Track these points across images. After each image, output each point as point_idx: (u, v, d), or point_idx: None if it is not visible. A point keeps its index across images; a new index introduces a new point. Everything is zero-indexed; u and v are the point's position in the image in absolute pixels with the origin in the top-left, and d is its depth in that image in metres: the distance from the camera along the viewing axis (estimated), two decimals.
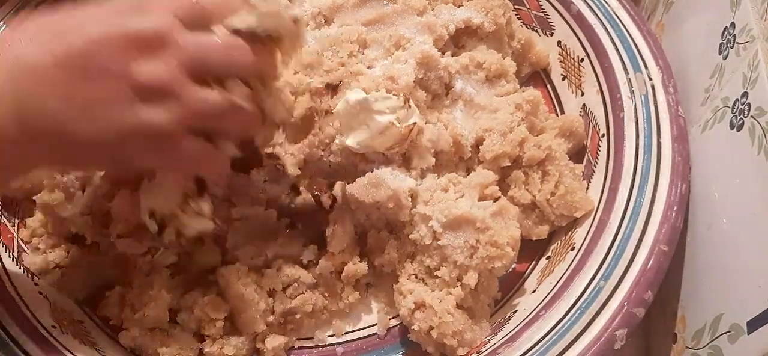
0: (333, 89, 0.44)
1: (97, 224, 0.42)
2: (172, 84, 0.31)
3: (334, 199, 0.42)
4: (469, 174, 0.44)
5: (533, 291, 0.42)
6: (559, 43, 0.52)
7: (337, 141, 0.42)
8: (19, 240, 0.44)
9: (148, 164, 0.35)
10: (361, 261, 0.43)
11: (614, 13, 0.50)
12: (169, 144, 0.32)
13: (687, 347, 0.39)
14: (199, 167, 0.36)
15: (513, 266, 0.43)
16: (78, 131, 0.31)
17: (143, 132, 0.31)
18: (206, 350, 0.40)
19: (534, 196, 0.44)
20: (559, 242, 0.45)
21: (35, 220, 0.44)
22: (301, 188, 0.45)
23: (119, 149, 0.32)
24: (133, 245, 0.41)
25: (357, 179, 0.41)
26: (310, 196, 0.45)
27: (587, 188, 0.45)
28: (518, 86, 0.49)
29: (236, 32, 0.33)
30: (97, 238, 0.42)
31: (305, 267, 0.43)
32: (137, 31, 0.31)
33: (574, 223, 0.44)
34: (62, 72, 0.30)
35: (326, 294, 0.43)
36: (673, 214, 0.39)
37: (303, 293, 0.42)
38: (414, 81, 0.44)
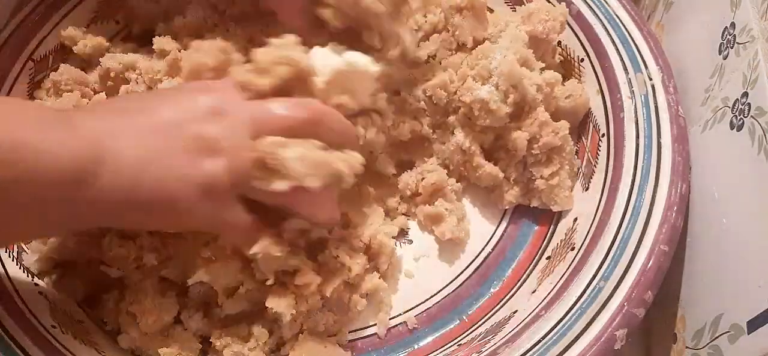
0: None
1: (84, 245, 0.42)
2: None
3: None
4: None
5: (533, 291, 0.42)
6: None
7: None
8: None
9: (199, 223, 0.37)
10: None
11: (614, 13, 0.50)
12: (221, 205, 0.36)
13: (687, 347, 0.39)
14: (237, 239, 0.38)
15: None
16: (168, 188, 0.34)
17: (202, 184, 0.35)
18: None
19: (531, 172, 0.46)
20: (559, 242, 0.45)
21: None
22: None
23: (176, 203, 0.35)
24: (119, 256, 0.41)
25: None
26: None
27: (587, 188, 0.46)
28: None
29: None
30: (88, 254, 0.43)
31: None
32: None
33: (574, 223, 0.44)
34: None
35: (336, 311, 0.43)
36: (673, 214, 0.39)
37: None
38: None
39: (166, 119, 0.35)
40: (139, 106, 0.37)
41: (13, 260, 0.43)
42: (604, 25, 0.49)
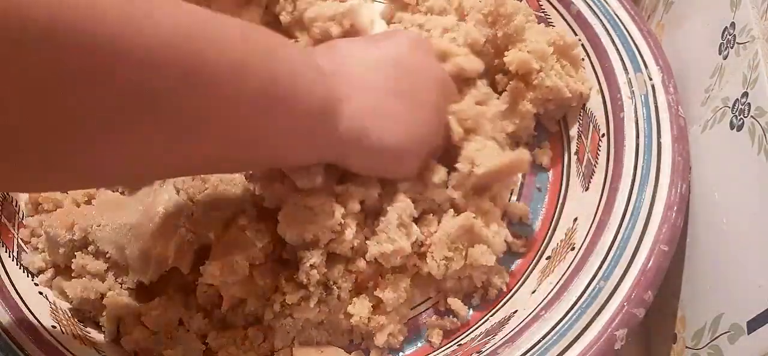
0: None
1: None
2: None
3: None
4: None
5: (533, 291, 0.42)
6: None
7: None
8: (19, 240, 0.44)
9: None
10: None
11: (614, 13, 0.50)
12: None
13: (687, 347, 0.39)
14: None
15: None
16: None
17: None
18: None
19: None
20: (559, 242, 0.45)
21: (35, 220, 0.44)
22: None
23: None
24: None
25: None
26: None
27: (587, 188, 0.46)
28: None
29: None
30: None
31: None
32: None
33: (574, 223, 0.44)
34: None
35: (331, 333, 0.43)
36: (673, 214, 0.39)
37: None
38: None
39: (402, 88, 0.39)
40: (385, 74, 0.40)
41: (13, 260, 0.43)
42: (604, 25, 0.49)
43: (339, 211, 0.39)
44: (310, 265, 0.38)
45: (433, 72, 0.43)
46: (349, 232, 0.39)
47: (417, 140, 0.40)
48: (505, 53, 0.47)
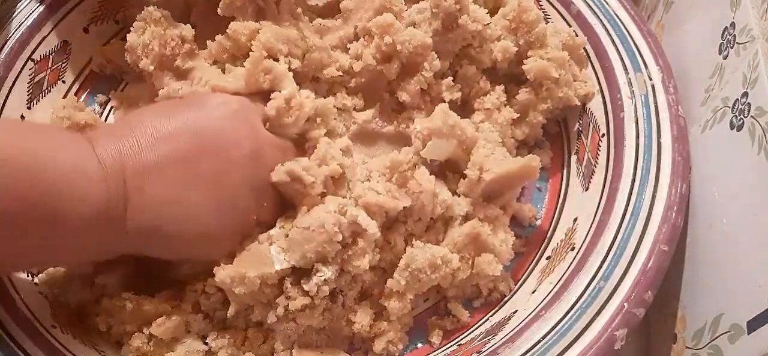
0: None
1: None
2: None
3: None
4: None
5: (533, 291, 0.42)
6: None
7: None
8: None
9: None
10: None
11: (614, 13, 0.50)
12: None
13: (687, 347, 0.39)
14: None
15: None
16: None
17: None
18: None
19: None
20: (559, 242, 0.45)
21: None
22: None
23: None
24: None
25: None
26: None
27: (587, 188, 0.46)
28: None
29: None
30: None
31: None
32: None
33: (574, 223, 0.44)
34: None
35: (331, 336, 0.42)
36: (673, 214, 0.39)
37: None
38: None
39: (207, 171, 0.36)
40: (176, 147, 0.36)
41: None
42: (604, 25, 0.49)
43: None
44: (325, 280, 0.38)
45: (242, 149, 0.38)
46: (366, 259, 0.39)
47: (219, 226, 0.37)
48: (524, 61, 0.47)
